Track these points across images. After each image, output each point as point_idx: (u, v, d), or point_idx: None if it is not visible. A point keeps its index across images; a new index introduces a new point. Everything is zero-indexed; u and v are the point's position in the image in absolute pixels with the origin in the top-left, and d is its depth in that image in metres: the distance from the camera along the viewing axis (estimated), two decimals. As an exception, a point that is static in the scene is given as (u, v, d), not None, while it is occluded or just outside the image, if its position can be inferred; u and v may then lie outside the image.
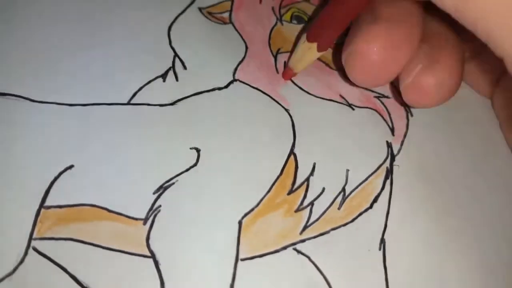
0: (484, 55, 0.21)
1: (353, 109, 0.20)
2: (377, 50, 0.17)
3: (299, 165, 0.19)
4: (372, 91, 0.21)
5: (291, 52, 0.21)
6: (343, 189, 0.18)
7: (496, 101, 0.22)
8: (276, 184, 0.18)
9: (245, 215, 0.17)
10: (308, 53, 0.19)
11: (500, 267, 0.18)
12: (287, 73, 0.21)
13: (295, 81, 0.21)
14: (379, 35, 0.17)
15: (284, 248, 0.17)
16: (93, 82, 0.18)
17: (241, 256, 0.16)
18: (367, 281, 0.17)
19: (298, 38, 0.21)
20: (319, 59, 0.22)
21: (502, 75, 0.21)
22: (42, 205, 0.16)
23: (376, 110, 0.21)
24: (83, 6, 0.20)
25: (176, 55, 0.20)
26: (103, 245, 0.15)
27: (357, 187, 0.19)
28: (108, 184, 0.16)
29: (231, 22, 0.22)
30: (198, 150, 0.18)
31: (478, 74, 0.22)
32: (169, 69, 0.19)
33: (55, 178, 0.16)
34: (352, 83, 0.21)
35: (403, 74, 0.19)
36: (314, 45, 0.19)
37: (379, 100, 0.21)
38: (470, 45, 0.20)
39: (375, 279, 0.17)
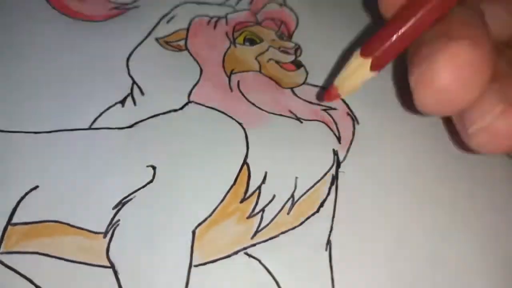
0: None
1: (301, 122, 0.22)
2: (446, 76, 0.16)
3: (251, 175, 0.20)
4: (320, 105, 0.23)
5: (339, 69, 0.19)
6: (292, 196, 0.20)
7: None
8: (229, 193, 0.19)
9: (199, 225, 0.18)
10: (360, 70, 0.18)
11: (446, 263, 0.19)
12: (330, 93, 0.19)
13: (247, 97, 0.22)
14: (452, 57, 0.15)
15: (236, 252, 0.18)
16: (56, 111, 0.20)
17: (194, 262, 0.18)
18: (314, 280, 0.18)
19: (348, 56, 0.19)
20: (270, 78, 0.23)
21: None
22: (9, 222, 0.17)
23: (323, 122, 0.22)
24: (45, 36, 0.22)
25: (134, 82, 0.22)
26: (66, 257, 0.17)
27: (305, 193, 0.20)
28: (71, 201, 0.18)
29: (186, 49, 0.23)
30: (154, 168, 0.19)
31: None
32: (128, 95, 0.21)
33: (22, 198, 0.18)
34: (299, 100, 0.22)
35: (475, 113, 0.16)
36: (368, 61, 0.17)
37: (327, 112, 0.23)
38: None
39: (321, 278, 0.18)
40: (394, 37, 0.17)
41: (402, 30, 0.17)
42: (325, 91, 0.19)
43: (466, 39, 0.16)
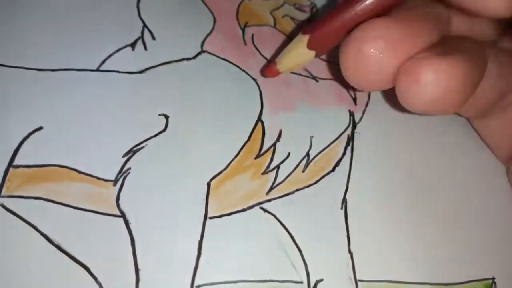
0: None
1: (317, 81, 0.21)
2: (372, 42, 0.15)
3: (266, 132, 0.19)
4: (336, 64, 0.22)
5: (282, 51, 0.19)
6: (307, 154, 0.19)
7: None
8: (244, 148, 0.19)
9: (214, 177, 0.18)
10: (299, 49, 0.18)
11: (460, 228, 0.19)
12: (270, 69, 0.19)
13: (263, 54, 0.21)
14: (379, 28, 0.15)
15: (251, 207, 0.17)
16: (62, 48, 0.18)
17: (209, 215, 0.17)
18: (329, 237, 0.18)
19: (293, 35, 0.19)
20: (285, 34, 0.22)
21: None
22: (10, 164, 0.16)
23: (339, 81, 0.22)
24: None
25: (145, 25, 0.20)
26: (73, 205, 0.16)
27: (320, 152, 0.19)
28: (78, 146, 0.17)
29: (200, -6, 0.22)
30: (166, 117, 0.18)
31: (498, 135, 0.20)
32: (138, 38, 0.20)
33: (24, 139, 0.16)
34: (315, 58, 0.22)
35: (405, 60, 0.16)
36: (306, 38, 0.17)
37: (342, 72, 0.22)
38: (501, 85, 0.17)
39: (337, 236, 0.18)
40: (334, 20, 0.17)
41: (343, 15, 0.16)
42: (267, 66, 0.19)
43: (393, 16, 0.16)
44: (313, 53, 0.18)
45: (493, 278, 0.18)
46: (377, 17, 0.16)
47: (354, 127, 0.20)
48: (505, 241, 0.19)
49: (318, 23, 0.17)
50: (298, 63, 0.18)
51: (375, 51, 0.15)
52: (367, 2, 0.16)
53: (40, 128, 0.17)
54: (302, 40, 0.17)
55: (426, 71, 0.15)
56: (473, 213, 0.20)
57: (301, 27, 0.19)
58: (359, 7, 0.16)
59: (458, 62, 0.15)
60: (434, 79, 0.15)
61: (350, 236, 0.18)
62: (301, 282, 0.16)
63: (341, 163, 0.19)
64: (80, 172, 0.16)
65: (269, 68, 0.19)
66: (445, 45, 0.16)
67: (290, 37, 0.22)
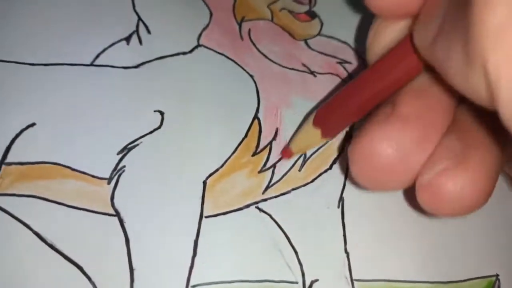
0: None
1: (315, 76, 0.21)
2: (382, 153, 0.15)
3: (262, 129, 0.19)
4: (335, 57, 0.22)
5: (296, 131, 0.19)
6: (304, 152, 0.19)
7: None
8: (241, 145, 0.18)
9: (210, 175, 0.17)
10: (311, 137, 0.17)
11: (461, 225, 0.19)
12: (286, 152, 0.19)
13: (258, 47, 0.21)
14: (388, 135, 0.15)
15: (247, 206, 0.17)
16: (56, 42, 0.18)
17: (205, 213, 0.17)
18: (325, 237, 0.18)
19: (306, 118, 0.19)
20: (283, 28, 0.22)
21: None
22: (3, 161, 0.15)
23: (338, 76, 0.21)
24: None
25: (140, 19, 0.20)
26: (67, 203, 0.16)
27: (317, 150, 0.19)
28: (71, 143, 0.16)
29: (196, -12, 0.22)
30: (162, 113, 0.18)
31: None
32: (133, 32, 0.19)
33: (17, 135, 0.16)
34: (313, 52, 0.21)
35: (421, 170, 0.15)
36: (318, 131, 0.17)
37: (342, 66, 0.22)
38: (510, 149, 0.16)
39: (333, 236, 0.18)
40: (344, 109, 0.16)
41: (350, 105, 0.16)
42: (283, 149, 0.19)
43: (407, 117, 0.15)
44: (327, 139, 0.18)
45: (496, 275, 0.18)
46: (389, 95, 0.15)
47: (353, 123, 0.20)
48: (509, 237, 0.19)
49: (324, 113, 0.17)
50: (312, 148, 0.19)
51: (385, 162, 0.15)
52: (377, 88, 0.15)
53: (33, 125, 0.16)
54: (316, 132, 0.17)
55: (449, 188, 0.14)
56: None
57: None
58: (369, 92, 0.15)
59: (479, 167, 0.14)
60: (458, 194, 0.14)
61: (347, 235, 0.18)
62: (296, 283, 0.16)
63: (339, 160, 0.19)
64: (73, 170, 0.16)
65: (284, 152, 0.19)
66: (461, 142, 0.15)
67: (290, 34, 0.22)
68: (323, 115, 0.17)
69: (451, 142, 0.15)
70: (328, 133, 0.17)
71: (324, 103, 0.17)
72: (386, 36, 0.16)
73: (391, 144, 0.15)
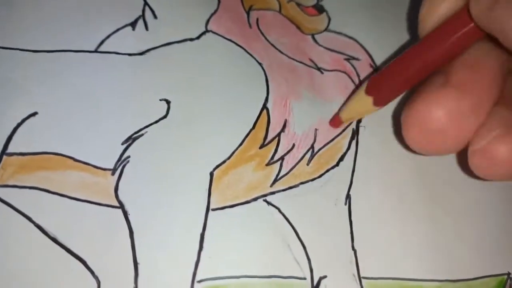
0: None
1: (322, 72, 0.20)
2: (437, 118, 0.15)
3: (271, 120, 0.19)
4: (342, 54, 0.21)
5: (347, 99, 0.19)
6: (312, 147, 0.19)
7: None
8: (248, 137, 0.18)
9: (217, 166, 0.17)
10: (364, 105, 0.18)
11: (472, 223, 0.19)
12: (335, 121, 0.19)
13: (268, 38, 0.20)
14: (443, 102, 0.15)
15: (255, 199, 0.17)
16: (59, 28, 0.17)
17: (212, 206, 0.16)
18: (333, 233, 0.17)
19: (358, 87, 0.19)
20: (290, 20, 0.21)
21: None
22: (4, 151, 0.15)
23: (345, 72, 0.21)
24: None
25: (146, 3, 0.19)
26: (69, 195, 0.15)
27: (325, 145, 0.19)
28: (74, 132, 0.16)
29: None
30: (168, 102, 0.17)
31: None
32: (139, 17, 0.19)
33: (18, 125, 0.15)
34: (320, 48, 0.21)
35: (474, 138, 0.16)
36: (370, 99, 0.17)
37: (349, 62, 0.21)
38: None
39: (341, 232, 0.17)
40: (397, 77, 0.17)
41: (404, 73, 0.16)
42: (331, 119, 0.19)
43: (460, 85, 0.15)
44: (378, 107, 0.18)
45: (508, 274, 0.18)
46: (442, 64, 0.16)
47: (359, 121, 0.20)
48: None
49: (380, 79, 0.17)
50: (362, 115, 0.19)
51: (440, 127, 0.15)
52: (426, 57, 0.16)
53: (35, 114, 0.16)
54: (368, 100, 0.17)
55: (503, 152, 0.15)
56: (486, 207, 0.19)
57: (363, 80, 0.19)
58: (422, 61, 0.16)
59: None
60: (510, 158, 0.15)
61: (354, 232, 0.17)
62: (305, 279, 0.16)
63: (346, 157, 0.19)
64: (76, 160, 0.16)
65: (334, 122, 0.19)
66: (511, 111, 0.16)
67: (297, 27, 0.21)
68: (376, 83, 0.17)
69: (502, 111, 0.16)
70: (380, 101, 0.17)
71: (377, 72, 0.17)
72: (441, 8, 0.16)
73: (445, 109, 0.15)
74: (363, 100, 0.18)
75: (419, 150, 0.17)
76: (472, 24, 0.15)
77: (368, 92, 0.17)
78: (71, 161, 0.15)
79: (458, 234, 0.18)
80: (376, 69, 0.21)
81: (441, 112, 0.15)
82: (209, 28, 0.19)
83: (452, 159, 0.20)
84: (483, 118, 0.16)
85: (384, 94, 0.17)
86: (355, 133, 0.19)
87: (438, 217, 0.18)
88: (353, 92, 0.20)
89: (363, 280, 0.17)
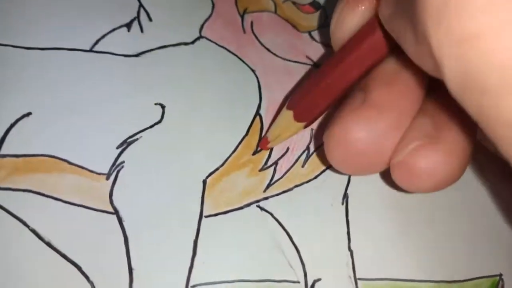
0: None
1: None
2: (357, 139, 0.15)
3: (264, 126, 0.19)
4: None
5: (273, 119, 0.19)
6: (307, 148, 0.19)
7: None
8: (241, 144, 0.18)
9: (210, 174, 0.17)
10: (286, 122, 0.17)
11: (465, 223, 0.19)
12: (263, 142, 0.18)
13: (261, 40, 0.21)
14: (362, 122, 0.15)
15: (248, 205, 0.17)
16: (53, 25, 0.17)
17: (205, 213, 0.16)
18: (329, 235, 0.17)
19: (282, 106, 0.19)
20: (286, 20, 0.22)
21: None
22: (-3, 153, 0.15)
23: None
24: None
25: (141, 5, 0.19)
26: (64, 199, 0.15)
27: (321, 145, 0.19)
28: (69, 134, 0.16)
29: (199, -24, 0.21)
30: (163, 106, 0.17)
31: None
32: (134, 19, 0.18)
33: (11, 125, 0.15)
34: (318, 44, 0.21)
35: (394, 151, 0.16)
36: (291, 113, 0.17)
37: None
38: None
39: (337, 233, 0.17)
40: (313, 94, 0.16)
41: (320, 88, 0.16)
42: (259, 143, 0.18)
43: (379, 104, 0.15)
44: (302, 124, 0.17)
45: (500, 275, 0.18)
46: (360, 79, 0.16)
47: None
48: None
49: (299, 95, 0.17)
50: (289, 135, 0.18)
51: (360, 147, 0.15)
52: (344, 71, 0.16)
53: (28, 114, 0.15)
54: (288, 114, 0.17)
55: (422, 165, 0.15)
56: (478, 208, 0.19)
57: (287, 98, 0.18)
58: (336, 75, 0.16)
59: (450, 145, 0.15)
60: (430, 170, 0.15)
61: (351, 233, 0.18)
62: (298, 282, 0.16)
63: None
64: (71, 163, 0.15)
65: (262, 144, 0.18)
66: (432, 123, 0.16)
67: (293, 26, 0.22)
68: (296, 98, 0.17)
69: (423, 123, 0.16)
70: (301, 117, 0.17)
71: (297, 97, 0.17)
72: (350, 21, 0.16)
73: (365, 130, 0.15)
74: (285, 116, 0.17)
75: (344, 171, 0.17)
76: (380, 34, 0.14)
77: (289, 107, 0.17)
78: (65, 163, 0.15)
79: (452, 235, 0.19)
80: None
81: (361, 133, 0.15)
82: (203, 34, 0.19)
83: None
84: (402, 133, 0.16)
85: (303, 109, 0.17)
86: None
87: (434, 218, 0.19)
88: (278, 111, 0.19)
89: (359, 282, 0.17)
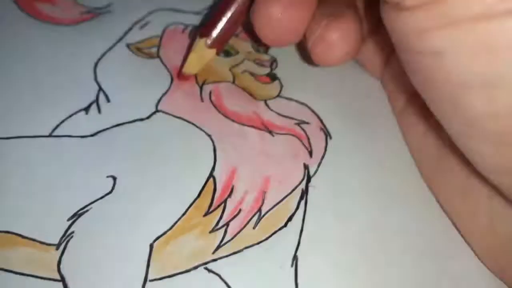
0: (379, 35, 0.23)
1: (273, 135, 0.22)
2: (274, 11, 0.19)
3: (217, 188, 0.19)
4: (293, 119, 0.22)
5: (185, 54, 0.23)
6: (259, 210, 0.19)
7: (385, 77, 0.24)
8: (192, 206, 0.19)
9: (157, 238, 0.18)
10: (202, 52, 0.21)
11: (410, 283, 0.18)
12: (181, 77, 0.22)
13: (218, 108, 0.22)
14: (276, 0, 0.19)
15: (195, 267, 0.17)
16: (15, 115, 0.19)
17: (150, 277, 0.17)
18: (277, 297, 0.17)
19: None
20: (243, 89, 0.23)
21: (391, 54, 0.24)
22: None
23: (295, 136, 0.22)
24: (11, 37, 0.22)
25: (100, 89, 0.21)
26: (15, 270, 0.16)
27: (273, 207, 0.19)
28: (24, 211, 0.17)
29: (158, 57, 0.23)
30: (114, 178, 0.19)
31: (371, 54, 0.24)
32: (93, 102, 0.21)
33: (-30, 207, 0.17)
34: (272, 113, 0.22)
35: (308, 32, 0.20)
36: (204, 41, 0.20)
37: (299, 126, 0.22)
38: (368, 22, 0.22)
39: (285, 296, 0.17)
40: (222, 20, 0.20)
41: (228, 14, 0.20)
42: (178, 74, 0.22)
43: None
44: (214, 50, 0.21)
45: None
46: None
47: (308, 180, 0.20)
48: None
49: (210, 23, 0.20)
50: (203, 64, 0.22)
51: (277, 18, 0.19)
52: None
53: (-12, 196, 0.17)
54: (201, 43, 0.21)
55: (334, 36, 0.19)
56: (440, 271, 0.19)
57: (197, 31, 0.22)
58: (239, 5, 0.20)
59: (351, 20, 0.20)
60: (342, 41, 0.19)
61: (299, 295, 0.17)
62: None
63: (294, 218, 0.19)
64: (23, 237, 0.17)
65: (180, 76, 0.22)
66: (335, 7, 0.20)
67: (250, 94, 0.23)
68: (207, 28, 0.20)
69: (327, 7, 0.20)
70: (213, 43, 0.21)
71: (209, 26, 0.21)
72: None
73: (280, 4, 0.19)
74: (200, 44, 0.21)
75: (269, 42, 0.20)
76: None
77: (202, 35, 0.21)
78: (18, 238, 0.17)
79: None
80: (326, 132, 0.22)
81: (276, 6, 0.19)
82: (159, 108, 0.21)
83: (406, 221, 0.20)
84: (312, 9, 0.20)
85: (214, 35, 0.20)
86: (304, 193, 0.20)
87: (391, 281, 0.18)
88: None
89: None
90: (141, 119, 0.21)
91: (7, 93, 0.20)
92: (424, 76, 0.16)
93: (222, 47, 0.21)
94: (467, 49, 0.14)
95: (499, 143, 0.15)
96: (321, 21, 0.19)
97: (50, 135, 0.19)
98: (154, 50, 0.23)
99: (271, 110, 0.22)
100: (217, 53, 0.21)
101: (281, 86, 0.23)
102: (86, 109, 0.20)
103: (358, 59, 0.25)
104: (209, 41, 0.21)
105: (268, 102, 0.23)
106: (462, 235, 0.20)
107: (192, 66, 0.21)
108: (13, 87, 0.20)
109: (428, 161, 0.21)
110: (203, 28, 0.21)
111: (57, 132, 0.19)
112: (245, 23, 0.21)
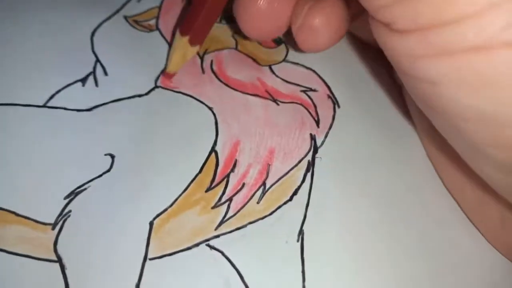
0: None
1: (278, 104, 0.20)
2: (257, 5, 0.18)
3: (219, 162, 0.19)
4: (299, 85, 0.21)
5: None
6: (264, 183, 0.18)
7: None
8: (194, 182, 0.18)
9: (157, 215, 0.17)
10: (182, 48, 0.20)
11: (415, 256, 0.18)
12: (165, 77, 0.20)
13: (220, 77, 0.21)
14: None
15: (196, 245, 0.17)
16: (8, 81, 0.18)
17: (150, 256, 0.16)
18: (282, 273, 0.17)
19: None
20: (246, 54, 0.22)
21: None
22: None
23: (302, 104, 0.21)
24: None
25: (97, 60, 0.20)
26: (8, 249, 0.16)
27: (277, 180, 0.18)
28: (17, 187, 0.17)
29: (157, 29, 0.22)
30: (113, 156, 0.18)
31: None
32: (90, 74, 0.20)
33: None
34: (277, 79, 0.21)
35: (293, 19, 0.19)
36: (187, 39, 0.19)
37: (306, 94, 0.21)
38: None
39: (291, 271, 0.17)
40: (201, 16, 0.19)
41: (206, 9, 0.19)
42: (161, 77, 0.20)
43: None
44: (196, 47, 0.20)
45: None
46: None
47: (315, 151, 0.19)
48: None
49: (189, 19, 0.19)
50: (186, 60, 0.20)
51: (261, 10, 0.18)
52: None
53: (-22, 169, 0.17)
54: (183, 41, 0.20)
55: (317, 22, 0.18)
56: (444, 243, 0.18)
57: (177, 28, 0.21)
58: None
59: (333, 6, 0.18)
60: (325, 25, 0.18)
61: (306, 271, 0.17)
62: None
63: (300, 191, 0.18)
64: (18, 215, 0.16)
65: (163, 78, 0.20)
66: None
67: (254, 60, 0.22)
68: (187, 25, 0.19)
69: None
70: (194, 40, 0.20)
71: (188, 23, 0.19)
72: None
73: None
74: (181, 43, 0.20)
75: (252, 35, 0.19)
76: None
77: (183, 34, 0.19)
78: (12, 215, 0.16)
79: (415, 274, 0.17)
80: (334, 100, 0.21)
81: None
82: (158, 84, 0.20)
83: (414, 196, 0.19)
84: (293, 1, 0.19)
85: (195, 32, 0.19)
86: (311, 165, 0.19)
87: (396, 256, 0.17)
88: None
89: (311, 323, 0.16)
90: (140, 95, 0.20)
91: (1, 58, 0.19)
92: (423, 100, 0.15)
93: (204, 39, 0.20)
94: (463, 81, 0.12)
95: (508, 172, 0.14)
96: (303, 7, 0.18)
97: (44, 105, 0.18)
98: (153, 22, 0.22)
99: (276, 76, 0.21)
100: (199, 48, 0.20)
101: (287, 50, 0.22)
102: (83, 81, 0.19)
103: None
104: (190, 38, 0.19)
105: (273, 67, 0.21)
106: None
107: (176, 64, 0.20)
108: (7, 51, 0.19)
109: (468, 203, 0.19)
110: (183, 26, 0.20)
111: (52, 102, 0.18)
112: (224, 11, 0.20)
